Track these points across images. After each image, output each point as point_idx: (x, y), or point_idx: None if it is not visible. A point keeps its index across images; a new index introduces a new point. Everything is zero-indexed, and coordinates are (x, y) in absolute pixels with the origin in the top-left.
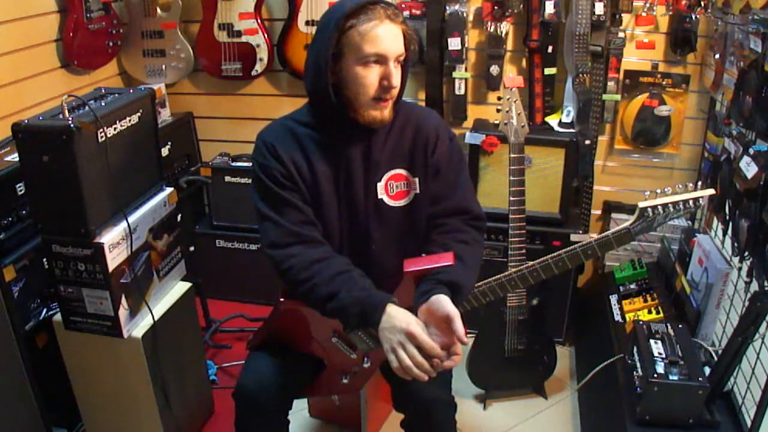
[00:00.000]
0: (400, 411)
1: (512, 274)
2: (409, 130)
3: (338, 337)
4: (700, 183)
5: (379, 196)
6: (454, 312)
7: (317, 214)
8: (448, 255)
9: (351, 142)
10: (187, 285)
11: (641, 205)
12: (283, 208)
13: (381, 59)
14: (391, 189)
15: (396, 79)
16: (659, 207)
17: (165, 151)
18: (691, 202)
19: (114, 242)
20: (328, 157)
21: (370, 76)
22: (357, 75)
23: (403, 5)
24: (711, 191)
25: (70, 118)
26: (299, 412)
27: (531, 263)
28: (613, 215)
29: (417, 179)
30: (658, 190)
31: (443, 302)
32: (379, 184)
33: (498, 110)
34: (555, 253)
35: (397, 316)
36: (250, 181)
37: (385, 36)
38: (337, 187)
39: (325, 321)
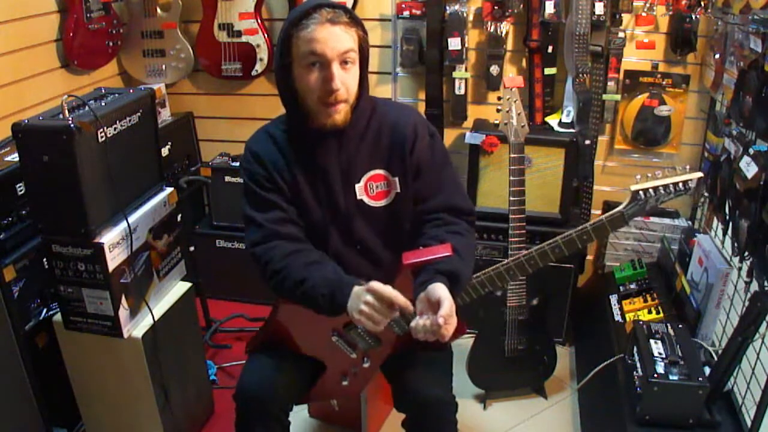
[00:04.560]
0: (401, 410)
1: (510, 263)
2: (385, 130)
3: (338, 336)
4: (688, 167)
5: (359, 197)
6: (445, 296)
7: (302, 216)
8: (446, 246)
9: (324, 147)
10: (187, 285)
11: (633, 188)
12: (266, 209)
13: (321, 61)
14: (371, 189)
15: (337, 82)
16: (651, 190)
17: (165, 151)
18: (681, 184)
19: (114, 242)
20: (305, 162)
21: (313, 79)
22: (302, 79)
23: (403, 5)
24: (699, 174)
25: (70, 118)
26: (299, 413)
27: (527, 251)
28: None
29: (396, 179)
30: (649, 174)
31: (438, 289)
32: (357, 186)
33: (498, 110)
34: (551, 240)
35: (360, 290)
36: None
37: (323, 38)
38: (317, 190)
39: (325, 319)
